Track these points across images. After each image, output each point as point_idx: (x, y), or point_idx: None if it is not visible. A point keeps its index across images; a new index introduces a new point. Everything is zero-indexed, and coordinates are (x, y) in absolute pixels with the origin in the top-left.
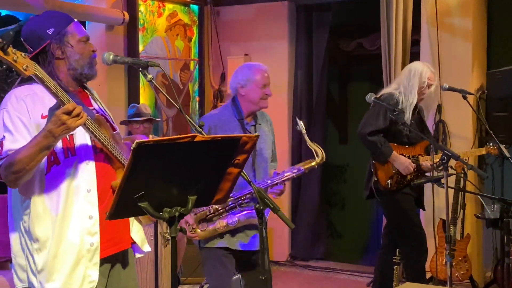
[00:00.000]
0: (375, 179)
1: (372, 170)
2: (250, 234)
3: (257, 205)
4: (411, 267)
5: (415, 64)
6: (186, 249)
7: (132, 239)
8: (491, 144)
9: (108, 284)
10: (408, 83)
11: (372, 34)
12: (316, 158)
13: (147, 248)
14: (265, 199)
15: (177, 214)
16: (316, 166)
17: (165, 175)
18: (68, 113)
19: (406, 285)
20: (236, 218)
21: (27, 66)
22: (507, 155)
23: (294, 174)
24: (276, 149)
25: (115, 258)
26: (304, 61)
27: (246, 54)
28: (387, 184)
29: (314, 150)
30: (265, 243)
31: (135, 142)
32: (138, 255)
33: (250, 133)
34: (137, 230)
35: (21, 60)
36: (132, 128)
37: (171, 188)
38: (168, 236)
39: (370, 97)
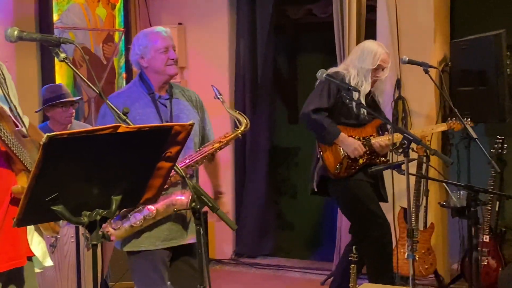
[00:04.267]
0: (322, 165)
1: (318, 156)
2: (180, 227)
3: (194, 204)
4: (373, 263)
5: (368, 44)
6: (113, 250)
7: (32, 253)
8: (453, 119)
9: None
10: (360, 65)
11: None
12: (240, 126)
13: (49, 262)
14: (202, 196)
15: (98, 217)
16: (240, 136)
17: (83, 173)
18: None
19: (364, 286)
20: (154, 209)
21: None
22: (474, 135)
23: (214, 149)
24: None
25: (7, 276)
26: (247, 30)
27: (180, 23)
28: (336, 170)
29: (236, 118)
30: (204, 247)
31: (45, 135)
32: (38, 270)
33: (165, 107)
34: (38, 243)
35: None
36: (55, 114)
37: (91, 187)
38: None
39: (321, 74)
